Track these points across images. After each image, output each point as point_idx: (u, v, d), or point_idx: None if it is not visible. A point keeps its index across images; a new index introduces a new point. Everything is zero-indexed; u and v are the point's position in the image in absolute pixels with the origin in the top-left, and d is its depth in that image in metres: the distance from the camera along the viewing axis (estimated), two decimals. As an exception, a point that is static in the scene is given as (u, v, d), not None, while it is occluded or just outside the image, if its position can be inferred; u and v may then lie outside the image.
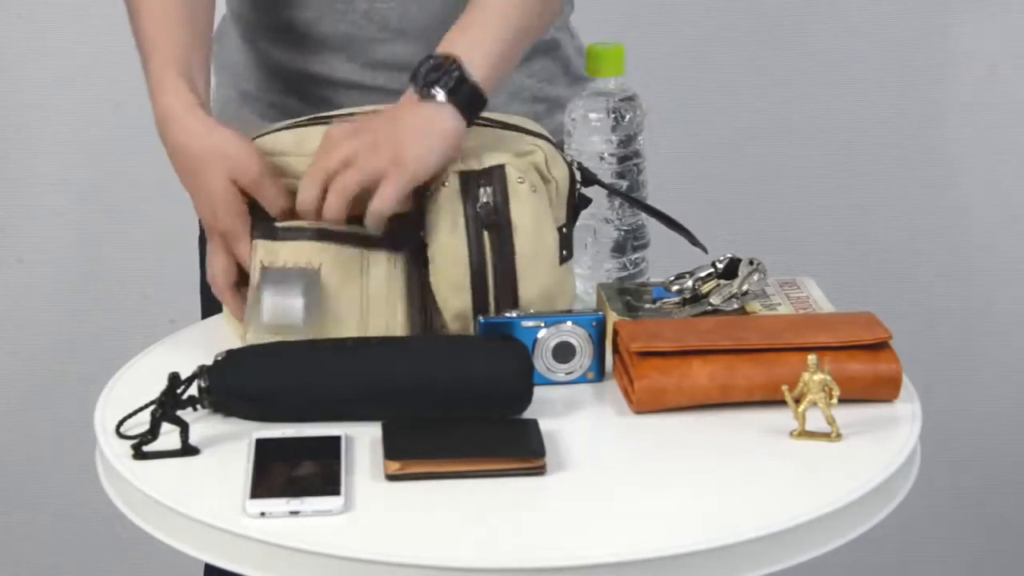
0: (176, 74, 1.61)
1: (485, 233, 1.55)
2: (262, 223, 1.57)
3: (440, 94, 1.55)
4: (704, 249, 1.67)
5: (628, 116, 1.74)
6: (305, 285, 1.57)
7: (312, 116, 1.65)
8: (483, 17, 1.62)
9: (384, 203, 1.53)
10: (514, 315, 1.54)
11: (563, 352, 1.55)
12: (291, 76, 1.79)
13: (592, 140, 1.73)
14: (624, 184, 1.73)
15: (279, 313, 1.57)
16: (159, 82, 1.61)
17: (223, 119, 1.83)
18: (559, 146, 1.64)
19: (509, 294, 1.56)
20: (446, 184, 1.56)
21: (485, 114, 1.63)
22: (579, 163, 1.64)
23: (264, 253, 1.56)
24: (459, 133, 1.56)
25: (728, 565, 1.30)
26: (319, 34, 1.76)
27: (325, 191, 1.53)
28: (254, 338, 1.54)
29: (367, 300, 1.57)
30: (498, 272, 1.55)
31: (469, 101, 1.57)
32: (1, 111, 2.54)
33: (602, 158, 1.73)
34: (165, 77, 1.61)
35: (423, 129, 1.55)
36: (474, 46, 1.59)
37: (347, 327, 1.57)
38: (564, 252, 1.61)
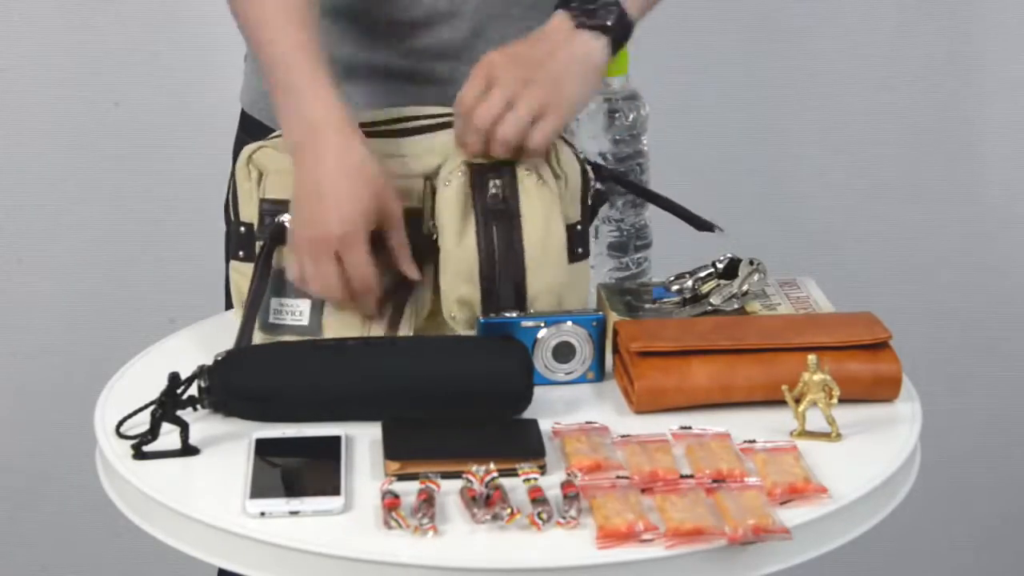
0: (328, 81, 1.55)
1: (494, 225, 1.56)
2: (274, 227, 1.58)
3: (597, 26, 1.55)
4: (713, 228, 1.66)
5: (631, 115, 1.74)
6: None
7: None
8: None
9: (541, 144, 1.54)
10: (514, 315, 1.54)
11: (563, 352, 1.55)
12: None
13: (595, 139, 1.73)
14: (625, 184, 1.73)
15: (285, 313, 1.58)
16: (311, 85, 1.54)
17: (253, 110, 1.82)
18: (570, 143, 1.64)
19: (516, 285, 1.56)
20: (448, 184, 1.57)
21: None
22: (591, 160, 1.64)
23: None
24: (605, 67, 1.57)
25: (728, 565, 1.30)
26: (365, 20, 1.72)
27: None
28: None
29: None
30: (506, 262, 1.56)
31: (622, 36, 1.57)
32: (1, 111, 2.54)
33: (605, 157, 1.72)
34: (317, 82, 1.54)
35: (579, 66, 1.55)
36: None
37: (351, 318, 1.57)
38: (580, 250, 1.62)
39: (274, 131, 1.75)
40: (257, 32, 1.60)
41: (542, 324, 1.54)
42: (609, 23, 1.56)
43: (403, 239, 1.56)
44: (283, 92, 1.56)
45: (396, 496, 1.32)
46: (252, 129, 1.81)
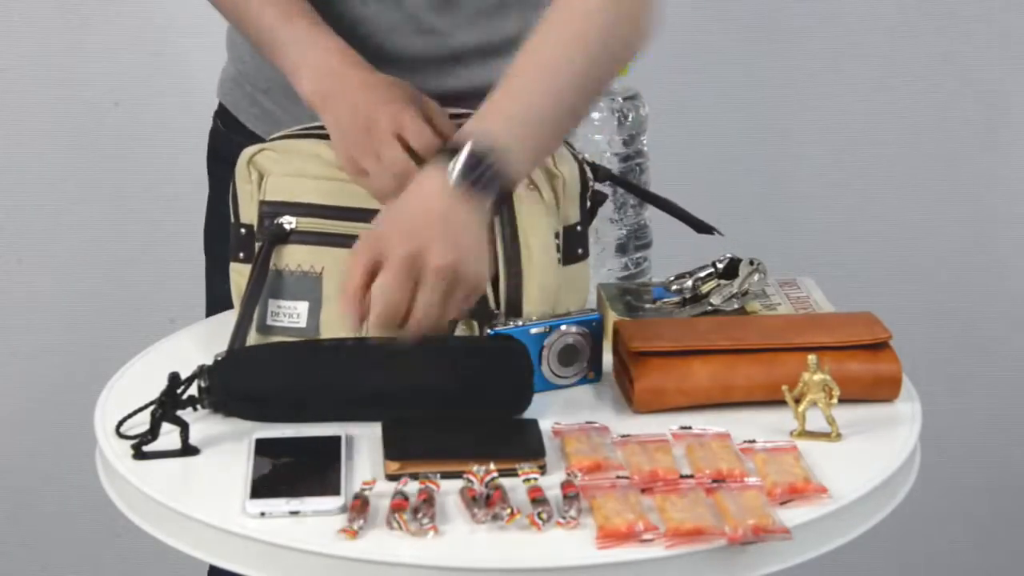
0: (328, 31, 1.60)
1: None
2: (273, 228, 1.58)
3: (485, 198, 1.41)
4: (712, 230, 1.66)
5: (631, 115, 1.74)
6: (307, 288, 1.58)
7: (305, 128, 1.64)
8: (535, 78, 1.48)
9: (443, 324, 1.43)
10: (520, 324, 1.53)
11: (568, 355, 1.55)
12: None
13: (595, 139, 1.73)
14: (625, 184, 1.73)
15: (282, 315, 1.58)
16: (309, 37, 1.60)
17: (221, 94, 1.82)
18: (568, 143, 1.64)
19: (508, 287, 1.56)
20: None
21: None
22: (591, 160, 1.64)
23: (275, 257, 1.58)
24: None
25: (728, 565, 1.30)
26: (328, 18, 1.70)
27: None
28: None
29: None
30: (494, 265, 1.56)
31: (503, 202, 1.47)
32: (1, 111, 2.54)
33: (604, 157, 1.72)
34: (321, 34, 1.60)
35: (479, 240, 1.41)
36: (522, 128, 1.45)
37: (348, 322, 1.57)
38: (579, 250, 1.62)
39: (236, 116, 1.75)
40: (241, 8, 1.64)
41: (547, 329, 1.53)
42: (496, 195, 1.42)
43: (445, 118, 1.55)
44: (290, 47, 1.59)
45: (405, 498, 1.31)
46: (223, 117, 1.81)
